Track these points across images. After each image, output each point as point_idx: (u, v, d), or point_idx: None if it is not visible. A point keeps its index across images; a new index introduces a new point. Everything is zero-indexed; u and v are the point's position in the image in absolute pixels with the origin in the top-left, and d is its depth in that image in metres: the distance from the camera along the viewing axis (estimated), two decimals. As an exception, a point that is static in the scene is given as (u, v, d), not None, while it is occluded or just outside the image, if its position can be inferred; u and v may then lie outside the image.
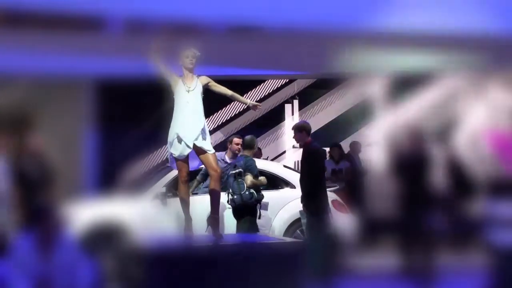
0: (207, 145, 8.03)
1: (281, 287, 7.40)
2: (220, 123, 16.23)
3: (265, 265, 7.44)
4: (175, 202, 10.48)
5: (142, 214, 9.81)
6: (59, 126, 8.34)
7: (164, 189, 10.63)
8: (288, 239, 9.68)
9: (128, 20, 8.33)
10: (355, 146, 13.92)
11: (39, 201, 7.71)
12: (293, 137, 9.99)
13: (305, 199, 9.64)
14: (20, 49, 8.17)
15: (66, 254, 6.64)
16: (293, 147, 16.05)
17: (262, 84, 16.53)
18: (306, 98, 16.78)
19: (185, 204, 8.24)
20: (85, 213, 9.28)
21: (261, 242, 8.38)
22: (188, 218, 8.18)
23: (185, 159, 8.06)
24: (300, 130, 9.76)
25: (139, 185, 10.97)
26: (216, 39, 8.38)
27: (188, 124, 7.97)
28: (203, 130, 8.02)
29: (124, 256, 8.22)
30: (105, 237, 9.12)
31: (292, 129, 9.95)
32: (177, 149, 8.03)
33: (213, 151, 8.09)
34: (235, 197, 9.88)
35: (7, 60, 8.19)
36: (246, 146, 10.26)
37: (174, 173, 10.85)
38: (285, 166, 11.90)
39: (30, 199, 7.84)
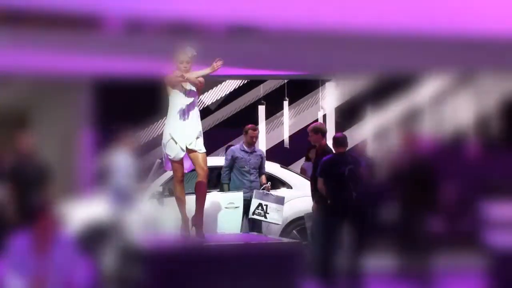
0: (199, 145, 8.04)
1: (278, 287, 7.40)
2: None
3: (262, 265, 7.44)
4: (172, 202, 10.49)
5: (139, 214, 9.79)
6: (57, 125, 8.32)
7: (160, 189, 10.62)
8: (285, 240, 9.67)
9: (127, 19, 8.31)
10: (360, 146, 13.84)
11: (35, 200, 7.70)
12: (309, 138, 10.07)
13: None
14: (18, 48, 8.16)
15: (63, 254, 6.61)
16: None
17: (220, 85, 16.35)
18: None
19: (181, 204, 8.24)
20: (82, 212, 9.25)
21: (258, 242, 8.38)
22: (184, 218, 8.18)
23: (180, 160, 8.08)
24: (316, 132, 9.89)
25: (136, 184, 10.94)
26: (215, 39, 8.36)
27: (184, 128, 7.97)
28: (199, 133, 8.04)
29: (121, 255, 8.21)
30: (102, 236, 9.10)
31: (308, 130, 10.06)
32: (172, 151, 8.04)
33: (204, 150, 8.09)
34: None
35: (5, 59, 8.17)
36: (341, 143, 9.94)
37: (171, 172, 10.85)
38: (281, 167, 11.89)
39: (27, 198, 7.82)
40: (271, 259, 7.54)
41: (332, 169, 9.51)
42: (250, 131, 10.71)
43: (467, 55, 9.01)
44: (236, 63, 10.44)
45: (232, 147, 10.82)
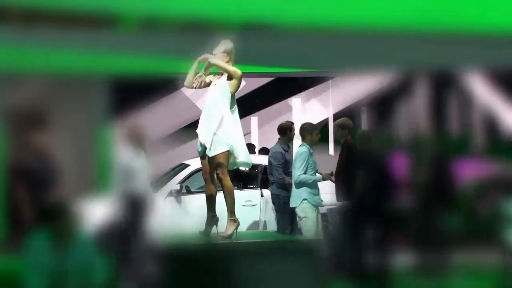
0: (213, 146, 7.77)
1: (299, 284, 7.40)
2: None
3: (280, 262, 7.44)
4: (190, 200, 10.52)
5: (156, 211, 9.82)
6: (74, 123, 8.35)
7: (178, 187, 10.63)
8: (303, 237, 9.66)
9: (142, 18, 8.33)
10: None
11: (52, 199, 7.72)
12: (334, 134, 10.04)
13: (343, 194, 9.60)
14: (35, 46, 8.19)
15: (81, 251, 6.65)
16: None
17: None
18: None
19: (208, 200, 8.06)
20: (99, 210, 9.29)
21: (276, 240, 8.38)
22: (208, 215, 8.04)
23: (206, 157, 7.88)
24: (343, 128, 9.81)
25: (154, 182, 10.98)
26: (230, 37, 8.35)
27: (204, 124, 7.82)
28: (216, 129, 7.78)
29: (139, 253, 8.23)
30: (120, 234, 9.13)
31: (334, 125, 10.02)
32: (198, 147, 7.91)
33: (214, 153, 7.75)
34: None
35: (21, 57, 8.21)
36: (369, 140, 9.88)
37: (188, 170, 10.88)
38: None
39: (43, 197, 7.85)
40: (289, 256, 7.53)
41: (374, 165, 9.32)
42: (293, 127, 10.40)
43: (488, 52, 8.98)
44: (250, 61, 10.43)
45: (277, 150, 10.28)
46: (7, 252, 7.28)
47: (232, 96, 7.79)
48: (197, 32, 8.30)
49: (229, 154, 7.77)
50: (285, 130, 10.32)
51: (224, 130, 7.76)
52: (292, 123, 10.55)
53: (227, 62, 7.77)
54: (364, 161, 9.30)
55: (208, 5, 8.01)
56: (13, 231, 7.49)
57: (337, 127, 9.94)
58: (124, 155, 8.63)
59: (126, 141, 8.63)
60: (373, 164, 9.24)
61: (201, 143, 7.84)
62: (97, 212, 9.22)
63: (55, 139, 8.08)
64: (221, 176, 7.76)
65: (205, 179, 8.03)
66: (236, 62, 7.86)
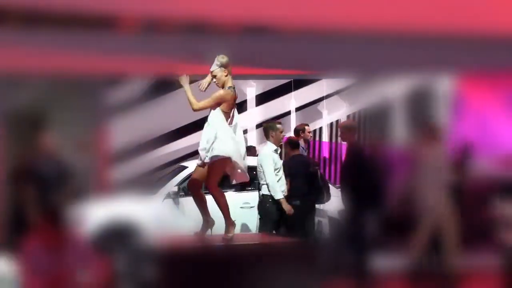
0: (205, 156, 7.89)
1: (297, 286, 7.40)
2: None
3: (277, 265, 7.44)
4: (187, 202, 10.50)
5: (155, 214, 9.83)
6: (75, 125, 8.36)
7: (176, 188, 10.62)
8: (301, 239, 9.65)
9: (143, 20, 8.34)
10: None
11: (52, 201, 7.72)
12: (340, 136, 10.02)
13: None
14: (36, 48, 8.20)
15: (77, 253, 6.65)
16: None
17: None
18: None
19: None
20: (98, 213, 9.29)
21: (274, 242, 8.38)
22: (205, 218, 8.10)
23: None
24: (349, 130, 9.76)
25: (152, 185, 10.98)
26: (232, 39, 8.36)
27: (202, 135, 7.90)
28: (206, 143, 7.82)
29: (137, 255, 8.23)
30: (118, 236, 9.12)
31: (340, 127, 10.04)
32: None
33: (200, 162, 7.91)
34: None
35: (23, 59, 8.22)
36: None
37: (186, 172, 10.87)
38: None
39: (44, 199, 7.85)
40: (287, 258, 7.54)
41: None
42: (306, 127, 10.84)
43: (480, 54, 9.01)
44: (250, 63, 10.45)
45: None
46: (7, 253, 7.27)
47: (226, 112, 7.82)
48: (197, 33, 8.32)
49: (220, 164, 7.86)
50: (298, 132, 10.81)
51: (217, 145, 7.82)
52: (306, 125, 10.96)
53: (226, 75, 7.79)
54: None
55: (212, 7, 8.03)
56: (16, 233, 7.48)
57: (344, 129, 9.87)
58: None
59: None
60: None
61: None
62: (96, 214, 9.23)
63: (57, 141, 8.11)
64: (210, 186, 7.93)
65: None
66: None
